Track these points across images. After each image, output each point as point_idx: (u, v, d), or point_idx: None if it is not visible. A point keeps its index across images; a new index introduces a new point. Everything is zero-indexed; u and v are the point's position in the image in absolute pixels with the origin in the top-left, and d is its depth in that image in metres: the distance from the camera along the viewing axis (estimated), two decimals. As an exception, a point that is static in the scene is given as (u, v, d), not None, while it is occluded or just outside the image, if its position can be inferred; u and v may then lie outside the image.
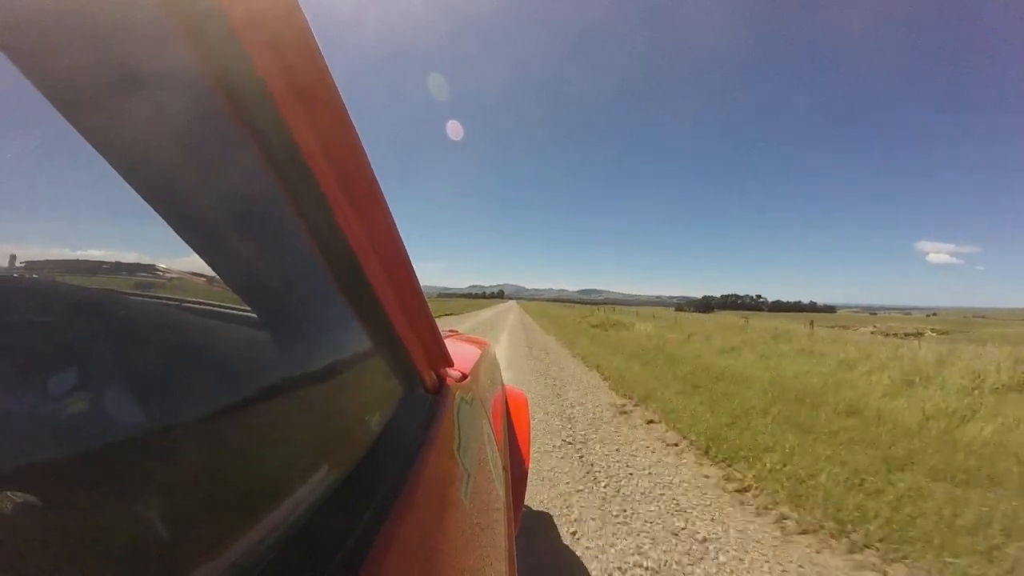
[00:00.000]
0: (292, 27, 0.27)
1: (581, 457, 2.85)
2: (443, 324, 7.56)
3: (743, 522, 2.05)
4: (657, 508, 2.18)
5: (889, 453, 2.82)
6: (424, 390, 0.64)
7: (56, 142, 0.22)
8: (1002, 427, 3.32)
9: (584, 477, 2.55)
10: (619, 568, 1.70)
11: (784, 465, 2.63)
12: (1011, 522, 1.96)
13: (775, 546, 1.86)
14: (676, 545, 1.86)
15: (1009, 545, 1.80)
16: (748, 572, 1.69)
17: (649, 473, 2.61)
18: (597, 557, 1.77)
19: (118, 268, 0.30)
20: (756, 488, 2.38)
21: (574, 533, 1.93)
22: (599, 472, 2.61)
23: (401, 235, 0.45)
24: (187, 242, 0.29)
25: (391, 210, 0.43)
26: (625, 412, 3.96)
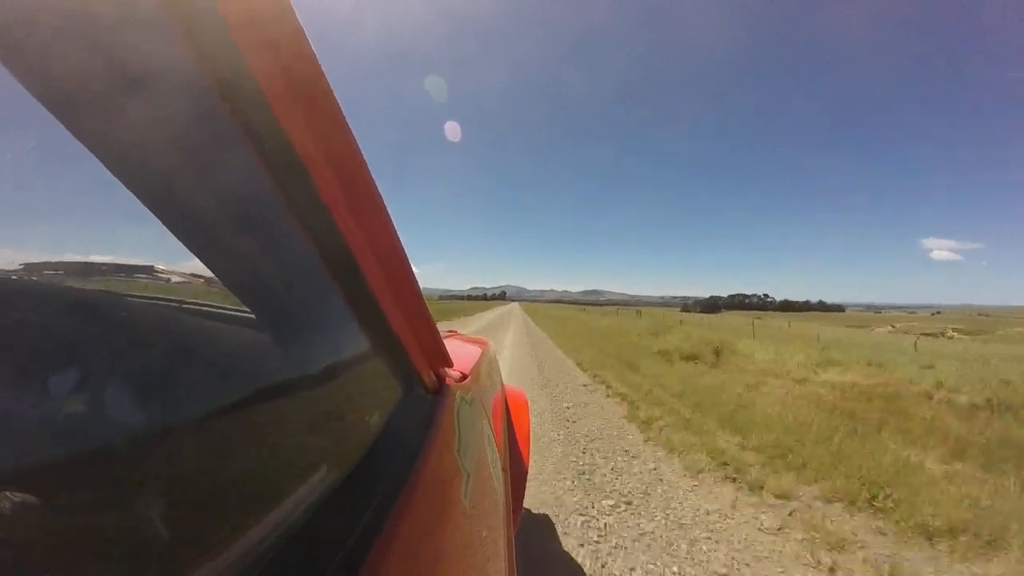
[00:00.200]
0: (285, 29, 0.27)
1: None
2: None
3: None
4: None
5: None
6: (424, 390, 0.64)
7: (52, 145, 0.22)
8: None
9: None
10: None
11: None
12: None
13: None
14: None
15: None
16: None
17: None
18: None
19: (116, 270, 0.30)
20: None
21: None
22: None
23: (399, 235, 0.45)
24: (185, 244, 0.29)
25: (389, 211, 0.43)
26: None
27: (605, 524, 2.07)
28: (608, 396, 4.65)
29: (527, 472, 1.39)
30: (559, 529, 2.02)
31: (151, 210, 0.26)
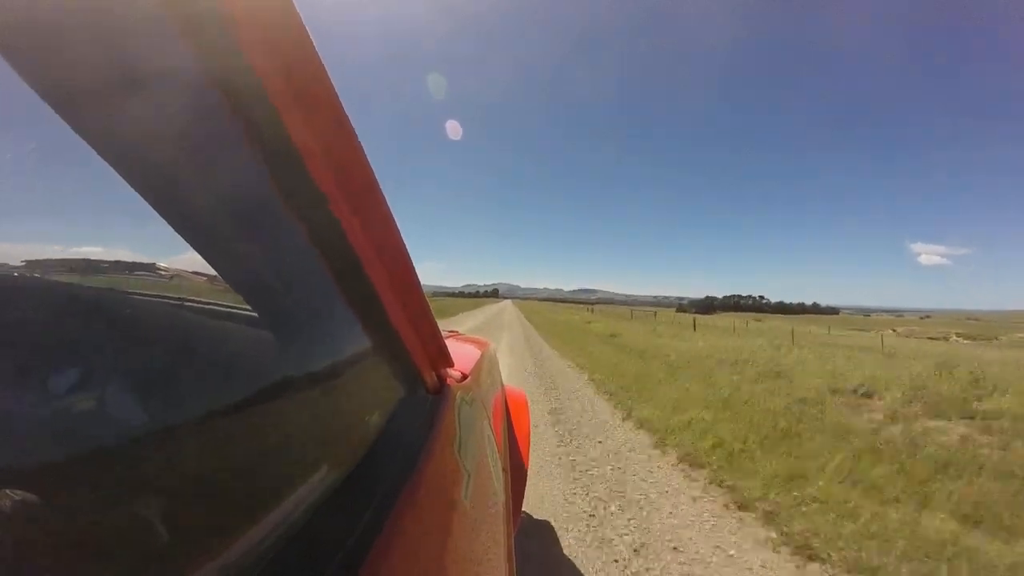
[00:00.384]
0: (288, 26, 0.27)
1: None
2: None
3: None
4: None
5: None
6: (425, 390, 0.64)
7: (55, 142, 0.22)
8: None
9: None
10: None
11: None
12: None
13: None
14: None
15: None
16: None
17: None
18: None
19: (119, 267, 0.30)
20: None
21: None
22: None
23: (402, 235, 0.45)
24: (188, 241, 0.29)
25: (391, 209, 0.42)
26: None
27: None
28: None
29: (527, 472, 1.39)
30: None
31: (154, 207, 0.26)
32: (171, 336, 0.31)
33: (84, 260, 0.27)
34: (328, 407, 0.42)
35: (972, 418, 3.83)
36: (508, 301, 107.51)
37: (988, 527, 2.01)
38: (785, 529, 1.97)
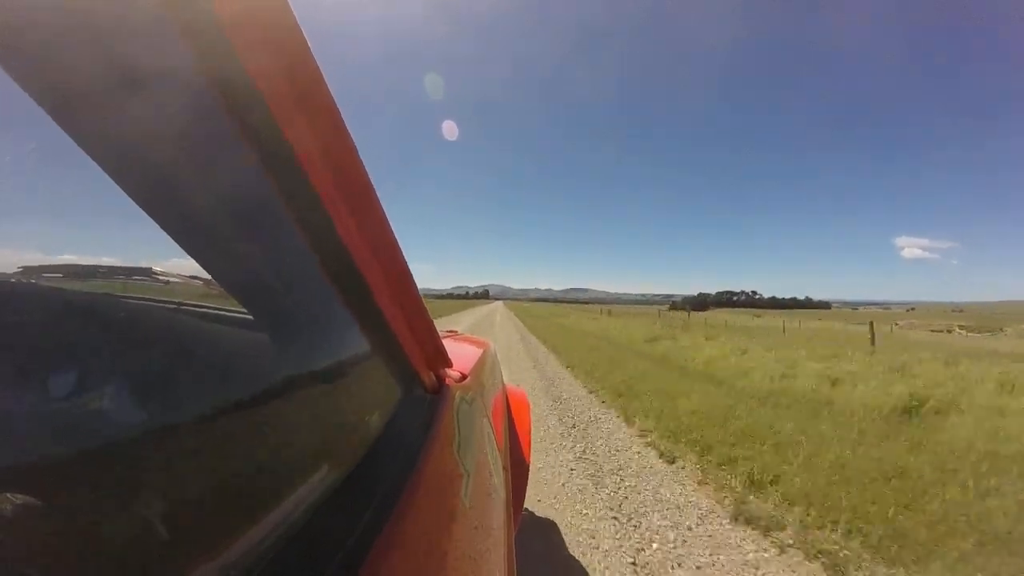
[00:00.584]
0: (283, 28, 0.27)
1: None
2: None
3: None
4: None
5: None
6: (423, 390, 0.64)
7: (50, 147, 0.22)
8: None
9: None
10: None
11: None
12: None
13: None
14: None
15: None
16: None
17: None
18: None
19: (114, 272, 0.30)
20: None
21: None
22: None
23: (396, 236, 0.45)
24: (183, 245, 0.29)
25: (386, 211, 0.43)
26: None
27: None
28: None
29: (528, 471, 1.39)
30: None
31: (148, 212, 0.26)
32: (168, 339, 0.31)
33: (81, 265, 0.27)
34: (326, 409, 0.42)
35: None
36: (499, 302, 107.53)
37: None
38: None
